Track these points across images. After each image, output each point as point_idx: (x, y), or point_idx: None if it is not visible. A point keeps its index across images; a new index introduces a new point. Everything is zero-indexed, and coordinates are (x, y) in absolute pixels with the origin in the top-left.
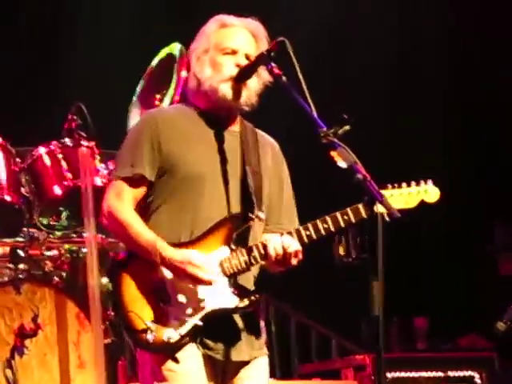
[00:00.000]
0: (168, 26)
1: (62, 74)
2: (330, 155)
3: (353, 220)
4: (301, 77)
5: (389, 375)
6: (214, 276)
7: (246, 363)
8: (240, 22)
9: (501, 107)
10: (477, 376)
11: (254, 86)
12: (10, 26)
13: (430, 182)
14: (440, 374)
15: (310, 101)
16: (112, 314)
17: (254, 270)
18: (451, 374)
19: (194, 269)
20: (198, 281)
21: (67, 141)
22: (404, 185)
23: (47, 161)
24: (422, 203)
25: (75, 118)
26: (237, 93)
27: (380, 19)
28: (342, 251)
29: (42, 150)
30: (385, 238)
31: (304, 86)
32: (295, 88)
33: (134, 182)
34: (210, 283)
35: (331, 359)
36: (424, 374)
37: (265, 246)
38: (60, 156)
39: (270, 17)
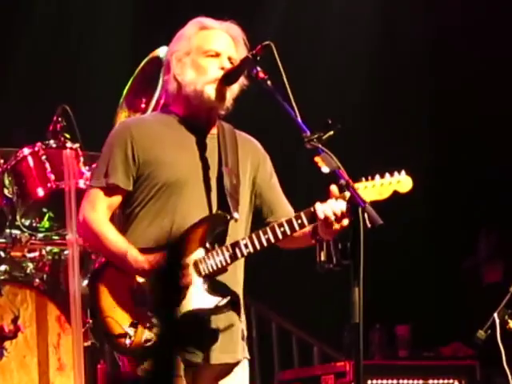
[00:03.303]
0: (158, 29)
1: (48, 75)
2: (313, 160)
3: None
4: (286, 81)
5: (369, 382)
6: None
7: (226, 367)
8: (219, 24)
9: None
10: None
11: (235, 89)
12: None
13: (402, 172)
14: (420, 381)
15: (294, 105)
16: (90, 321)
17: (233, 270)
18: (431, 381)
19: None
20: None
21: (52, 142)
22: (377, 176)
23: (31, 162)
24: (395, 194)
25: (60, 119)
26: (221, 95)
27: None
28: (323, 257)
29: (26, 151)
30: (366, 244)
31: (289, 91)
32: (280, 92)
33: (108, 191)
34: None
35: (312, 366)
36: (404, 381)
37: (244, 245)
38: (44, 157)
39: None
